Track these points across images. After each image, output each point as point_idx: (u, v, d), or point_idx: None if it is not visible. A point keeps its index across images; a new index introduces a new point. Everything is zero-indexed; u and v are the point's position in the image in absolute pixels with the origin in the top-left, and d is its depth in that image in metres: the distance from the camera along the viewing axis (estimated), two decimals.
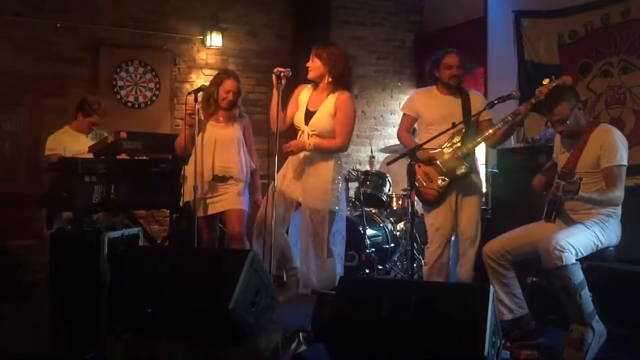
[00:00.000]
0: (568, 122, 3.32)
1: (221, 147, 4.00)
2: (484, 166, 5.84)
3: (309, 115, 3.81)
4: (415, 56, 7.50)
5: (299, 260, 4.01)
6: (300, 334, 3.27)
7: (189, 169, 4.03)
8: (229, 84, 4.03)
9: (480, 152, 5.66)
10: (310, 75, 3.79)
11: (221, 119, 4.07)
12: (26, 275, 4.17)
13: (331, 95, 3.77)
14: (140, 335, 2.83)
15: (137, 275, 2.92)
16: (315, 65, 3.77)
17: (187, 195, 4.06)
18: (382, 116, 7.41)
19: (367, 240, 5.35)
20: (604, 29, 4.72)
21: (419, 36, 7.45)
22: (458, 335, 2.35)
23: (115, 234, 3.14)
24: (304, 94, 3.88)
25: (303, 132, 3.82)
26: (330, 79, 3.75)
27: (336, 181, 3.89)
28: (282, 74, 3.67)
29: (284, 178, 3.90)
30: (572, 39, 4.99)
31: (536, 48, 5.26)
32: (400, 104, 6.76)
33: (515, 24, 5.45)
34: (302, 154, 3.84)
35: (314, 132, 3.77)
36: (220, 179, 4.02)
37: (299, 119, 3.84)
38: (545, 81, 3.55)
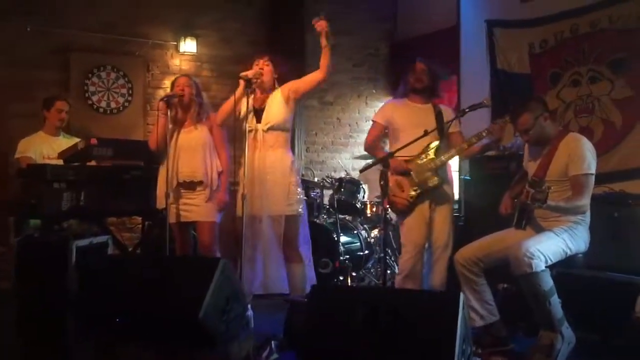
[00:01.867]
0: (531, 132, 3.39)
1: (186, 152, 3.97)
2: (457, 173, 5.90)
3: (258, 113, 3.83)
4: (389, 64, 7.54)
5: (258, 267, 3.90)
6: (272, 342, 3.26)
7: (160, 176, 3.99)
8: (180, 80, 4.09)
9: (454, 160, 5.71)
10: (264, 78, 3.85)
11: (186, 122, 4.05)
12: None
13: (274, 92, 3.88)
14: (109, 343, 2.78)
15: (106, 283, 2.87)
16: (268, 70, 3.87)
17: (158, 202, 4.02)
18: (357, 123, 7.43)
19: (341, 247, 5.35)
20: (574, 39, 4.80)
21: (393, 44, 7.49)
22: (428, 343, 2.36)
23: (84, 242, 3.10)
24: (243, 101, 3.85)
25: (257, 131, 3.81)
26: (276, 83, 3.92)
27: (295, 184, 3.87)
28: (254, 79, 3.72)
29: (244, 202, 3.75)
30: (543, 49, 5.06)
31: (508, 57, 5.32)
32: (374, 111, 6.76)
33: (487, 33, 5.51)
34: (257, 162, 3.78)
35: (268, 126, 3.80)
36: (188, 186, 3.97)
37: (249, 121, 3.82)
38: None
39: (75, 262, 2.99)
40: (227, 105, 3.87)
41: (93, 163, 4.38)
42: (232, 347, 2.78)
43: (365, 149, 4.23)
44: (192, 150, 3.97)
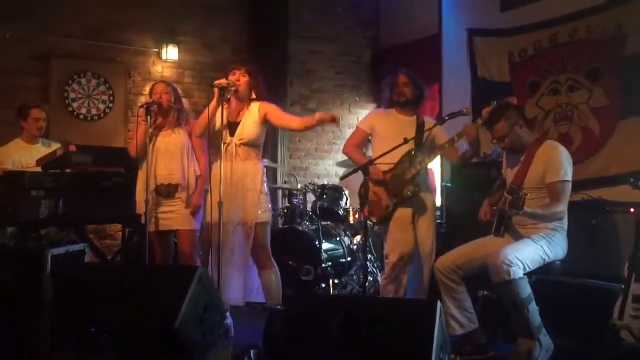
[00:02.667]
0: (507, 140, 3.42)
1: (163, 156, 3.96)
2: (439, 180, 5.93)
3: (232, 126, 3.79)
4: (372, 71, 7.57)
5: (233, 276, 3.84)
6: (251, 351, 3.24)
7: (139, 181, 3.97)
8: (158, 87, 4.07)
9: (436, 166, 5.74)
10: (241, 89, 3.78)
11: (164, 128, 4.04)
12: None
13: (252, 106, 3.81)
14: (85, 354, 2.74)
15: (81, 292, 2.84)
16: (244, 80, 3.79)
17: (138, 206, 4.00)
18: (340, 130, 7.43)
19: (324, 254, 5.34)
20: (552, 48, 4.85)
21: (376, 52, 7.52)
22: (405, 351, 2.36)
23: (60, 250, 3.06)
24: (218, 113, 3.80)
25: (230, 143, 3.78)
26: (254, 94, 3.83)
27: (265, 192, 3.86)
28: (228, 87, 3.67)
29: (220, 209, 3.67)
30: (522, 57, 5.10)
31: (488, 65, 5.36)
32: (358, 118, 6.82)
33: (468, 42, 5.55)
34: (229, 173, 3.75)
35: (241, 142, 3.77)
36: (166, 193, 3.95)
37: (223, 133, 3.78)
38: (493, 103, 3.64)
39: (50, 270, 2.94)
40: (204, 117, 3.77)
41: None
42: (209, 356, 2.76)
43: (344, 152, 4.23)
44: (170, 154, 3.97)
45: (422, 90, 4.04)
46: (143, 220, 3.93)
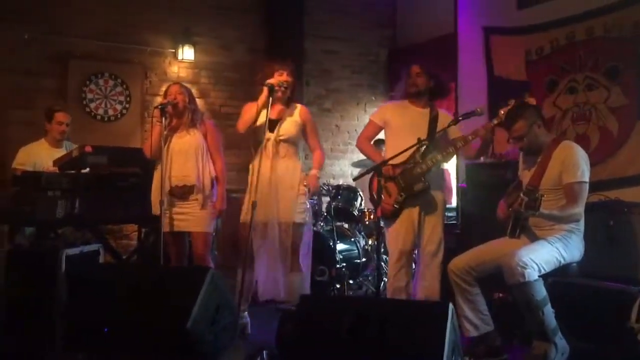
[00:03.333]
0: (525, 140, 3.38)
1: (178, 157, 3.97)
2: (455, 180, 5.89)
3: (272, 123, 3.86)
4: (389, 71, 7.55)
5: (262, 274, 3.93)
6: (264, 352, 3.24)
7: (154, 182, 4.00)
8: (173, 88, 4.09)
9: (452, 167, 5.70)
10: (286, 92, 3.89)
11: (179, 129, 4.05)
12: None
13: (292, 106, 3.96)
14: (97, 354, 2.76)
15: (95, 293, 2.86)
16: (291, 81, 3.90)
17: (153, 208, 4.02)
18: (356, 130, 7.41)
19: (338, 255, 5.33)
20: (570, 46, 4.77)
21: (392, 51, 7.49)
22: (416, 354, 2.34)
23: (74, 251, 3.09)
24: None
25: (269, 139, 3.85)
26: (291, 94, 3.95)
27: (304, 193, 3.94)
28: (279, 86, 3.79)
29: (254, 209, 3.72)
30: (539, 56, 5.04)
31: (505, 64, 5.30)
32: None
33: (484, 40, 5.49)
34: (268, 170, 3.84)
35: (281, 138, 3.86)
36: (181, 194, 3.97)
37: (261, 130, 3.85)
38: (511, 102, 3.60)
39: (65, 271, 2.97)
40: (248, 113, 3.86)
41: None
42: (221, 357, 2.76)
43: (358, 146, 4.20)
44: (185, 155, 3.98)
45: (438, 81, 3.99)
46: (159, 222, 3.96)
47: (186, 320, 2.58)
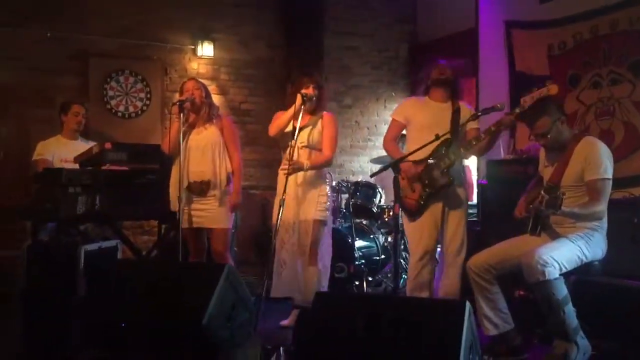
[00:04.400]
0: (549, 136, 3.31)
1: (195, 152, 4.02)
2: (475, 177, 5.82)
3: (295, 131, 4.02)
4: (409, 66, 7.48)
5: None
6: (281, 349, 3.23)
7: (172, 179, 4.01)
8: (188, 84, 4.14)
9: (472, 163, 5.63)
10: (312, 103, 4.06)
11: (197, 125, 4.09)
12: (5, 287, 4.11)
13: (318, 115, 4.12)
14: (113, 350, 2.78)
15: (112, 289, 2.87)
16: (316, 94, 4.07)
17: (172, 204, 4.04)
18: (375, 126, 7.38)
19: (358, 252, 5.30)
20: (593, 40, 4.68)
21: (413, 47, 7.43)
22: (433, 353, 2.31)
23: (93, 246, 3.11)
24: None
25: (293, 146, 3.98)
26: (316, 104, 4.12)
27: (325, 194, 4.10)
28: (309, 95, 3.97)
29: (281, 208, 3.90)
30: (562, 50, 4.95)
31: (526, 59, 5.22)
32: None
33: (506, 34, 5.42)
34: (298, 180, 4.04)
35: (302, 145, 4.04)
36: (199, 188, 3.99)
37: (287, 137, 4.04)
38: (533, 90, 3.52)
39: (83, 267, 2.99)
40: (282, 120, 4.08)
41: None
42: (237, 353, 2.76)
43: (384, 148, 4.19)
44: (201, 150, 4.02)
45: (459, 79, 4.03)
46: (177, 218, 3.98)
47: (202, 316, 2.58)
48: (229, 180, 4.06)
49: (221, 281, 2.70)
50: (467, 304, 2.40)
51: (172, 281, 2.81)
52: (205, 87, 4.18)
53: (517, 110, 3.54)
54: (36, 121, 5.58)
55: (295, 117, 3.92)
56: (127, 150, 4.36)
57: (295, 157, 3.95)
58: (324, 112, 4.15)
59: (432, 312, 2.44)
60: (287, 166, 3.90)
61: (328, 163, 4.15)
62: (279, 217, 3.76)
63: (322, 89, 4.17)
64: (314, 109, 4.10)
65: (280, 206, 3.78)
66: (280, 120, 4.08)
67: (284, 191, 3.82)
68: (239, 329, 2.83)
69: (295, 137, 3.90)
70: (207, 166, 4.00)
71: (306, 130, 4.06)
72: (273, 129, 4.10)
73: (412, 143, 3.91)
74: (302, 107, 3.93)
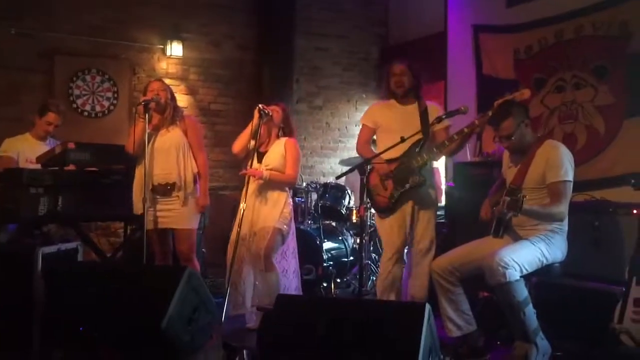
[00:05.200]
0: (513, 138, 3.34)
1: (159, 155, 3.97)
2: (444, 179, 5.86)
3: (260, 155, 4.13)
4: (380, 68, 7.49)
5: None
6: (244, 351, 3.21)
7: (135, 181, 3.97)
8: (154, 84, 4.11)
9: (441, 165, 5.67)
10: (275, 120, 4.15)
11: (160, 126, 4.04)
12: None
13: (280, 140, 4.17)
14: (74, 353, 2.73)
15: (71, 291, 2.83)
16: (278, 115, 4.16)
17: (135, 207, 3.99)
18: (346, 128, 7.40)
19: (326, 254, 5.30)
20: (558, 45, 4.75)
21: (384, 49, 7.46)
22: (392, 355, 2.31)
23: (51, 249, 3.05)
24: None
25: (251, 156, 4.08)
26: (279, 130, 4.20)
27: (288, 204, 4.15)
28: (266, 111, 4.03)
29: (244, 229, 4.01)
30: (528, 54, 5.02)
31: (494, 62, 5.28)
32: None
33: (473, 38, 5.48)
34: (259, 191, 4.07)
35: (267, 168, 4.07)
36: (163, 191, 3.95)
37: (252, 160, 4.11)
38: (507, 95, 3.55)
39: (41, 269, 2.93)
40: (242, 136, 4.13)
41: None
42: (197, 357, 2.73)
43: (358, 152, 4.21)
44: (165, 153, 3.97)
45: (420, 79, 3.95)
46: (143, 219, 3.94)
47: (161, 319, 2.55)
48: (195, 182, 4.02)
49: (182, 284, 2.67)
50: (427, 306, 2.42)
51: (133, 284, 2.77)
52: (170, 88, 4.14)
53: (490, 113, 3.56)
54: (1, 119, 5.46)
55: (255, 132, 3.98)
56: (90, 151, 4.29)
57: (259, 183, 4.04)
58: (287, 140, 4.18)
59: (392, 315, 2.45)
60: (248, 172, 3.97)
61: (290, 183, 4.17)
62: (238, 230, 3.86)
63: (288, 116, 4.25)
64: (275, 129, 4.16)
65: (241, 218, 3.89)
66: (241, 137, 4.13)
67: (244, 202, 3.92)
68: (200, 332, 2.81)
69: (253, 151, 4.01)
70: (172, 168, 3.96)
71: (269, 154, 4.11)
72: (236, 146, 4.14)
73: (382, 147, 3.91)
74: (260, 121, 3.99)
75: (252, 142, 4.06)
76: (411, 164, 3.76)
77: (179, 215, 3.96)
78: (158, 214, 3.97)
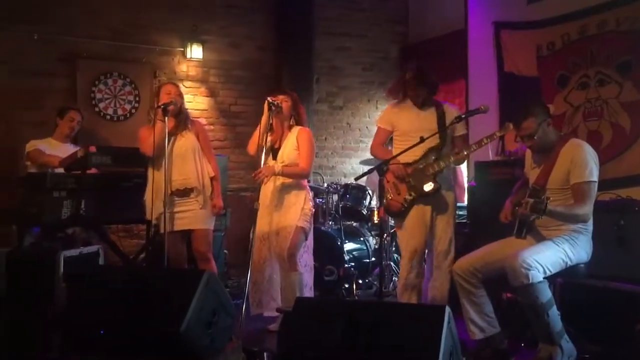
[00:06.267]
0: (535, 137, 3.28)
1: (177, 160, 3.98)
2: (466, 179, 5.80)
3: (275, 151, 4.07)
4: (400, 67, 7.43)
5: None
6: (265, 354, 3.21)
7: (149, 186, 4.00)
8: (167, 87, 4.10)
9: (463, 165, 5.61)
10: (284, 111, 4.06)
11: (175, 131, 4.04)
12: None
13: (292, 131, 4.09)
14: (94, 356, 2.75)
15: (91, 295, 2.85)
16: (287, 105, 4.08)
17: (147, 212, 4.01)
18: (367, 127, 7.35)
19: (347, 255, 5.28)
20: (581, 41, 4.67)
21: (403, 47, 7.41)
22: (411, 359, 2.29)
23: (73, 252, 3.08)
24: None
25: (266, 153, 4.02)
26: (291, 119, 4.12)
27: (308, 200, 4.09)
28: (275, 103, 3.96)
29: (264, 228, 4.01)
30: (550, 51, 4.93)
31: (515, 60, 5.21)
32: None
33: (495, 36, 5.40)
34: (277, 188, 4.03)
35: (283, 164, 4.02)
36: (181, 193, 3.97)
37: (267, 157, 4.05)
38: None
39: (63, 273, 2.96)
40: (255, 134, 4.07)
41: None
42: (218, 359, 2.73)
43: (372, 154, 4.20)
44: (182, 158, 3.99)
45: (433, 86, 3.92)
46: (159, 224, 3.97)
47: (180, 323, 2.55)
48: (211, 185, 4.04)
49: (200, 287, 2.67)
50: (447, 309, 2.39)
51: (152, 288, 2.78)
52: (180, 92, 4.15)
53: (509, 124, 3.52)
54: (24, 124, 5.54)
55: (265, 126, 3.92)
56: (111, 154, 4.34)
57: (276, 181, 4.01)
58: (299, 129, 4.10)
59: (411, 318, 2.42)
60: (260, 174, 3.91)
61: (304, 175, 4.09)
62: (253, 229, 3.84)
63: (297, 103, 4.15)
64: (286, 121, 4.09)
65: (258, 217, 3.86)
66: (254, 137, 4.08)
67: (257, 201, 3.87)
68: (220, 335, 2.81)
69: (265, 141, 3.91)
70: (190, 173, 3.98)
71: (283, 149, 4.06)
72: (251, 147, 4.10)
73: (398, 149, 3.88)
74: (270, 114, 3.93)
75: (267, 138, 3.98)
76: (427, 170, 3.75)
77: (196, 216, 3.98)
78: (175, 215, 3.98)
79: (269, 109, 3.94)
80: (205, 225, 4.01)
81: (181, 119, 4.06)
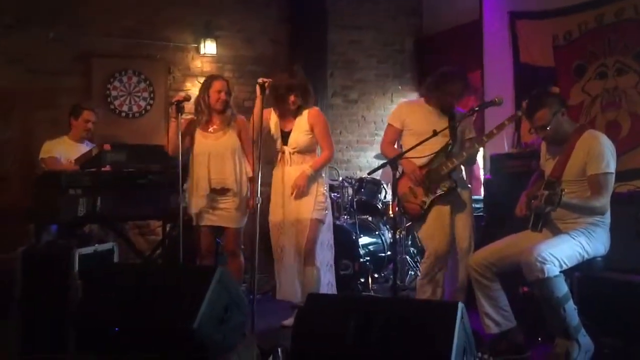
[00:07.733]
0: (549, 128, 3.23)
1: (215, 159, 3.96)
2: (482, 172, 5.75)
3: (285, 135, 3.98)
4: (415, 59, 7.39)
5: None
6: (279, 350, 3.20)
7: (190, 181, 4.03)
8: (218, 84, 4.05)
9: (479, 157, 5.56)
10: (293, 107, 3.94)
11: (215, 126, 4.02)
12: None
13: (302, 114, 3.97)
14: (108, 354, 2.77)
15: (106, 292, 2.86)
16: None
17: (189, 207, 4.03)
18: (382, 121, 7.28)
19: (362, 249, 5.26)
20: (598, 30, 4.58)
21: (418, 39, 7.34)
22: (424, 355, 2.27)
23: (88, 249, 3.10)
24: (273, 118, 4.04)
25: (284, 152, 3.98)
26: (301, 101, 3.97)
27: (322, 193, 4.01)
28: (266, 84, 3.78)
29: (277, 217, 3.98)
30: (567, 40, 4.85)
31: (531, 50, 5.13)
32: None
33: (510, 25, 5.33)
34: (285, 173, 3.97)
35: (294, 150, 3.96)
36: (219, 192, 3.98)
37: (277, 142, 4.00)
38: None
39: (78, 270, 2.98)
40: (255, 122, 3.87)
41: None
42: (230, 357, 2.74)
43: (382, 152, 4.16)
44: (222, 157, 3.97)
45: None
46: (194, 221, 4.01)
47: (193, 320, 2.56)
48: (248, 186, 4.03)
49: (213, 284, 2.68)
50: (460, 305, 2.36)
51: (165, 284, 2.79)
52: (230, 87, 4.11)
53: (519, 113, 3.47)
54: (40, 123, 5.59)
55: (259, 110, 3.77)
56: (126, 151, 4.37)
57: (287, 162, 3.94)
58: (309, 111, 3.98)
59: (424, 313, 2.40)
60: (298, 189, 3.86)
61: (330, 160, 4.07)
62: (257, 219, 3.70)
63: (304, 86, 3.99)
64: (297, 108, 3.96)
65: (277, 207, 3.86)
66: (253, 118, 3.90)
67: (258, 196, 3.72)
68: (233, 332, 2.81)
69: (260, 127, 3.73)
70: (229, 174, 3.96)
71: (294, 134, 3.96)
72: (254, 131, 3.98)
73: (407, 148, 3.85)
74: (263, 96, 3.74)
75: (270, 121, 3.88)
76: (441, 170, 3.73)
77: (230, 215, 4.00)
78: (211, 211, 4.00)
79: (261, 92, 3.79)
80: (238, 224, 4.04)
81: (226, 116, 4.03)
